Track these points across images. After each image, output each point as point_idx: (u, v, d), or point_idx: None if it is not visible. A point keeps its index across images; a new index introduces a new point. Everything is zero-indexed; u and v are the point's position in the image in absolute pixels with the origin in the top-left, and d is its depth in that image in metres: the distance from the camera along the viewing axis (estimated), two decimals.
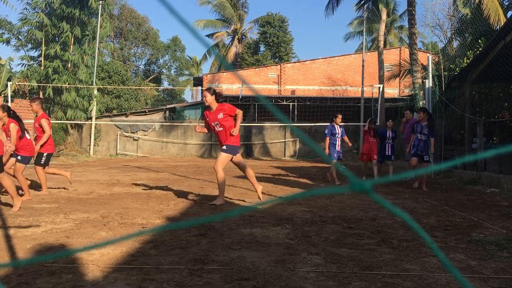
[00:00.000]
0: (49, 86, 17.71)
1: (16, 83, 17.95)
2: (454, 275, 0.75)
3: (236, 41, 37.03)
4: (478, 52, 10.89)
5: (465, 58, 12.82)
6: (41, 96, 18.34)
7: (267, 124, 20.12)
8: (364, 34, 23.02)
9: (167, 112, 22.66)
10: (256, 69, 28.39)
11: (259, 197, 6.58)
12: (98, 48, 19.53)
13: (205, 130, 6.87)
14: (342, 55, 28.33)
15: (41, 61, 18.68)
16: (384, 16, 19.40)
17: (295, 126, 18.52)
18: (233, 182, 9.43)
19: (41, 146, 7.14)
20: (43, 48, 18.36)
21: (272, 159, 19.09)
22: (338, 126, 9.44)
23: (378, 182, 0.78)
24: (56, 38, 18.36)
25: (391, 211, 0.78)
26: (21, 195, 6.41)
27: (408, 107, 13.16)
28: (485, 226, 5.04)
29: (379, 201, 0.76)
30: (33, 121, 14.66)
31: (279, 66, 28.24)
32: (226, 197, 7.08)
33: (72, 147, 18.43)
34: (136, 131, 19.73)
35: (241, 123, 6.72)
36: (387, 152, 10.20)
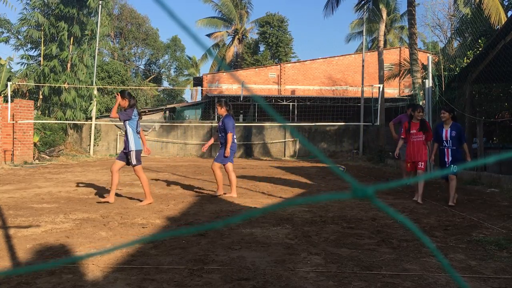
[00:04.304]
0: (47, 85, 17.70)
1: (16, 83, 17.93)
2: (453, 277, 0.75)
3: (236, 41, 37.02)
4: (478, 52, 10.89)
5: (465, 58, 12.82)
6: (40, 95, 18.35)
7: (267, 124, 20.13)
8: (364, 34, 23.01)
9: (167, 112, 22.66)
10: (256, 69, 28.40)
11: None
12: (98, 48, 19.53)
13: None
14: (342, 55, 28.34)
15: (40, 60, 18.67)
16: (384, 16, 19.40)
17: (293, 127, 18.46)
18: None
19: None
20: (42, 47, 18.35)
21: (272, 159, 19.09)
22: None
23: (381, 188, 0.78)
24: (55, 38, 18.35)
25: (393, 217, 0.78)
26: None
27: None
28: (485, 226, 5.04)
29: (382, 207, 0.75)
30: (33, 121, 14.70)
31: (279, 66, 28.25)
32: (227, 197, 7.09)
33: (72, 147, 18.43)
34: None
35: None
36: (446, 161, 6.76)
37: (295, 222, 5.13)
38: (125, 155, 6.43)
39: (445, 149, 6.76)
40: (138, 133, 6.47)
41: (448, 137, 6.71)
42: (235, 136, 7.25)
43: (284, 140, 20.73)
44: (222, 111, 7.23)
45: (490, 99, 13.16)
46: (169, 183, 9.16)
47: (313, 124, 18.83)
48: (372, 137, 19.88)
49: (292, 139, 20.65)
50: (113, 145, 19.62)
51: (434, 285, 3.09)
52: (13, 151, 13.56)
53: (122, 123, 6.52)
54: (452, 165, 6.56)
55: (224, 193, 7.20)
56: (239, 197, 7.15)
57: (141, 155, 6.52)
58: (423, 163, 6.88)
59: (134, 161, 6.34)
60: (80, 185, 8.44)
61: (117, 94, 6.58)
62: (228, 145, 6.99)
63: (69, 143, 18.46)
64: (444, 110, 6.93)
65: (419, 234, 0.76)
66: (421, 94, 12.19)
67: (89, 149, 18.47)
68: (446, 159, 6.74)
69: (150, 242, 4.09)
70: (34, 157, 14.45)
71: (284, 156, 20.49)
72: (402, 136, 7.21)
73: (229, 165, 7.14)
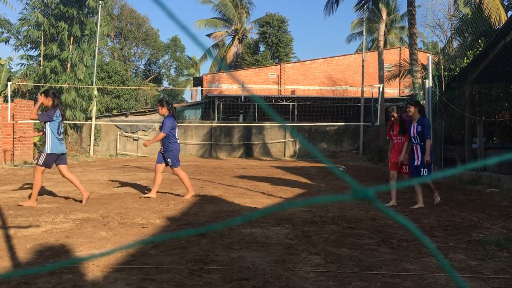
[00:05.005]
0: (47, 86, 17.70)
1: (16, 83, 17.93)
2: (453, 277, 0.75)
3: (236, 41, 37.02)
4: (478, 52, 10.88)
5: (465, 58, 12.82)
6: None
7: (267, 124, 20.13)
8: (364, 34, 23.02)
9: None
10: (256, 69, 28.40)
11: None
12: (98, 48, 19.53)
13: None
14: (342, 55, 28.35)
15: (40, 60, 18.67)
16: (384, 16, 19.41)
17: (292, 127, 18.43)
18: (233, 182, 9.43)
19: None
20: (42, 48, 18.35)
21: (272, 159, 19.08)
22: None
23: (382, 189, 0.78)
24: (55, 38, 18.35)
25: (394, 218, 0.78)
26: None
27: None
28: (485, 226, 5.04)
29: (383, 209, 0.75)
30: (33, 121, 14.70)
31: (279, 66, 28.25)
32: (227, 197, 7.09)
33: (72, 147, 18.43)
34: (136, 131, 19.73)
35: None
36: (415, 161, 6.39)
37: (295, 222, 5.13)
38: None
39: (414, 146, 6.41)
40: (60, 134, 6.17)
41: (415, 133, 6.33)
42: (177, 137, 7.05)
43: (284, 140, 20.73)
44: (163, 111, 7.04)
45: (490, 99, 13.15)
46: (169, 183, 9.15)
47: (313, 124, 18.83)
48: (372, 137, 19.88)
49: (292, 139, 20.65)
50: (113, 145, 19.62)
51: (434, 285, 3.09)
52: (13, 151, 13.56)
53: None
54: (422, 169, 6.21)
55: (181, 195, 7.01)
56: (239, 197, 7.16)
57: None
58: (407, 166, 6.52)
59: (39, 161, 6.10)
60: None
61: (40, 94, 6.25)
62: (152, 141, 6.97)
63: (69, 143, 18.45)
64: (409, 104, 6.51)
65: (420, 235, 0.76)
66: (421, 94, 12.19)
67: (89, 149, 18.47)
68: (415, 157, 6.35)
69: (150, 242, 4.09)
70: (34, 157, 14.45)
71: (284, 156, 20.49)
72: (387, 137, 6.97)
73: (160, 166, 7.05)
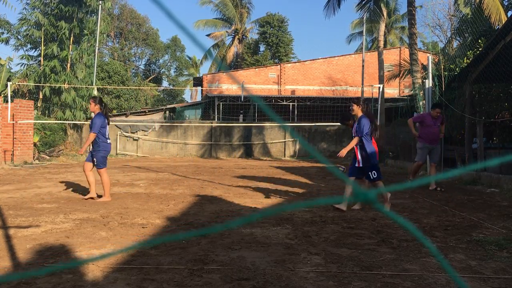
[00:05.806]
0: (47, 85, 17.70)
1: (16, 83, 17.93)
2: (453, 277, 0.75)
3: (236, 41, 37.01)
4: (478, 52, 10.88)
5: (465, 58, 12.81)
6: (40, 95, 18.35)
7: (267, 124, 20.13)
8: (364, 34, 22.98)
9: (167, 112, 22.67)
10: (256, 69, 28.39)
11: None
12: (98, 48, 19.51)
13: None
14: (342, 55, 28.34)
15: (40, 60, 18.67)
16: (384, 15, 19.40)
17: (292, 128, 18.36)
18: (233, 182, 9.43)
19: None
20: (42, 47, 18.35)
21: (272, 159, 19.08)
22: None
23: (383, 191, 0.78)
24: (55, 38, 18.35)
25: (395, 220, 0.78)
26: None
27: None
28: (485, 226, 5.04)
29: (384, 212, 0.75)
30: (33, 121, 14.70)
31: (279, 66, 28.24)
32: (227, 197, 7.10)
33: (72, 147, 18.42)
34: (136, 131, 19.72)
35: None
36: (356, 162, 6.12)
37: (295, 222, 5.13)
38: None
39: (354, 147, 6.14)
40: None
41: (354, 132, 6.09)
42: (107, 136, 6.84)
43: (284, 140, 20.73)
44: (95, 108, 6.85)
45: (490, 99, 13.14)
46: (169, 183, 9.16)
47: (313, 124, 18.83)
48: None
49: (292, 139, 20.65)
50: (113, 145, 19.61)
51: (434, 285, 3.09)
52: (13, 151, 13.56)
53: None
54: (370, 172, 5.93)
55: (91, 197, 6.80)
56: (239, 197, 7.15)
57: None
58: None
59: None
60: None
61: None
62: (86, 144, 6.76)
63: (69, 143, 18.45)
64: (352, 102, 6.18)
65: (420, 236, 0.76)
66: (421, 94, 12.19)
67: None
68: (356, 157, 6.09)
69: (151, 244, 4.09)
70: (34, 157, 14.45)
71: (284, 156, 20.49)
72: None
73: (87, 165, 6.89)
